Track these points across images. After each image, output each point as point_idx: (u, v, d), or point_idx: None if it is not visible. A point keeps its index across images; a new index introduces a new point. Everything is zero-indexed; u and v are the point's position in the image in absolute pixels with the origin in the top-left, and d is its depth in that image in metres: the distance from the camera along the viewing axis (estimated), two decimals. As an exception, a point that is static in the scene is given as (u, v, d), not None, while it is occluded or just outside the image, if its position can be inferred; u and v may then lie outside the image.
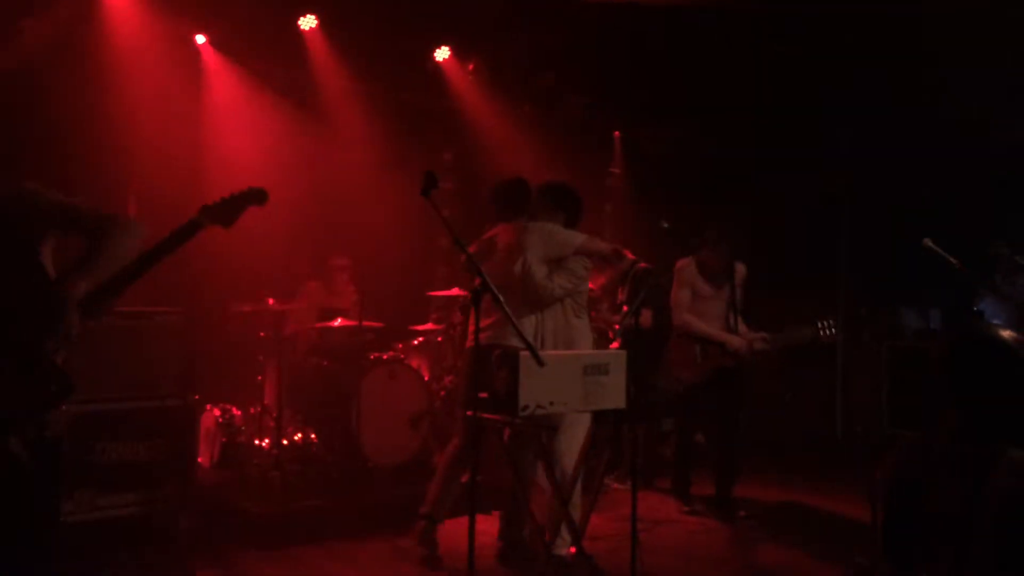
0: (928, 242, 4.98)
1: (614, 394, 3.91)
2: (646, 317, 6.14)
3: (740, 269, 5.64)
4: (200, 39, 6.69)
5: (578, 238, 4.57)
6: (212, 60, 6.83)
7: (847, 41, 6.68)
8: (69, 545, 4.42)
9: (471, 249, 4.35)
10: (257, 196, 3.00)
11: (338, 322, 6.21)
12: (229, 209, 2.96)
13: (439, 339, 6.59)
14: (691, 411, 5.77)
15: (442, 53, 7.53)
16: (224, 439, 5.94)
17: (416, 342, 6.62)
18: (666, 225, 4.52)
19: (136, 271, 2.79)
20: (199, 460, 5.33)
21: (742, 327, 5.54)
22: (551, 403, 3.72)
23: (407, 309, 7.02)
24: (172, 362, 5.03)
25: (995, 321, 7.85)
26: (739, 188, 8.25)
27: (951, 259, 4.93)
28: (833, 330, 5.33)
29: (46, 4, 5.80)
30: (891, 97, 7.20)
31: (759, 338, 5.45)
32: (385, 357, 6.15)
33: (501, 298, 3.57)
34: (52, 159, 5.63)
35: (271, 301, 5.90)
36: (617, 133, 9.03)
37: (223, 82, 6.89)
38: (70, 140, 5.78)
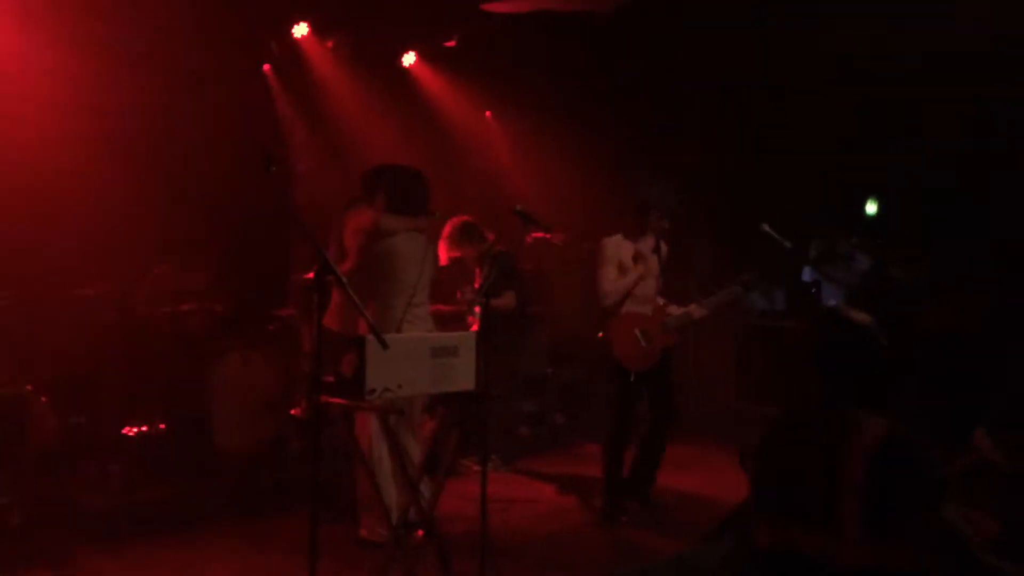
0: (765, 226, 5.21)
1: (463, 376, 3.93)
2: (508, 299, 6.19)
3: (663, 246, 5.30)
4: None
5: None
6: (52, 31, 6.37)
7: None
8: None
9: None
10: None
11: (188, 306, 5.99)
12: None
13: (295, 324, 6.44)
14: (631, 404, 5.19)
15: (300, 30, 7.35)
16: (62, 430, 5.63)
17: (272, 327, 6.45)
18: (518, 208, 4.54)
19: None
20: (32, 451, 5.03)
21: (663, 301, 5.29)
22: (399, 386, 3.70)
23: (265, 293, 6.83)
24: (2, 349, 4.76)
25: (830, 303, 8.39)
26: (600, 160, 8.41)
27: (786, 243, 5.19)
28: (754, 282, 5.23)
29: None
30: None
31: (693, 308, 5.20)
32: (237, 342, 5.97)
33: (344, 281, 3.53)
34: None
35: (114, 285, 5.61)
36: (488, 113, 9.02)
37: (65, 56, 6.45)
38: None
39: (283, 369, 6.08)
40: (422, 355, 3.80)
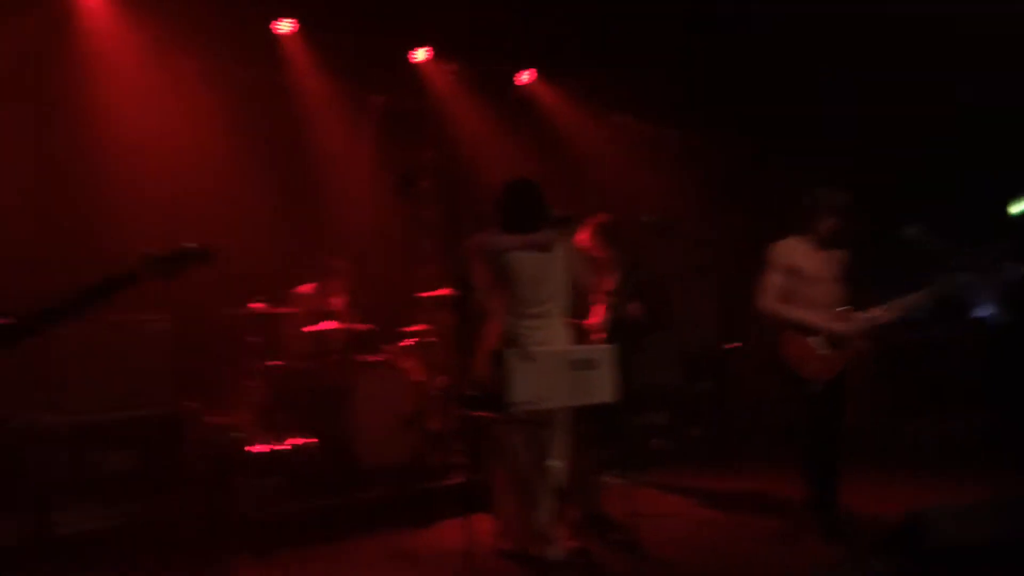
0: (913, 229, 4.99)
1: (601, 388, 3.93)
2: (636, 308, 6.12)
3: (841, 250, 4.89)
4: (175, 45, 6.66)
5: None
6: (191, 64, 6.81)
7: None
8: (63, 559, 4.44)
9: None
10: (203, 256, 2.80)
11: (329, 325, 6.22)
12: (172, 264, 2.74)
13: (429, 340, 6.59)
14: (822, 413, 4.78)
15: (421, 54, 7.56)
16: (218, 446, 5.93)
17: (406, 343, 6.62)
18: (646, 219, 4.52)
19: (58, 316, 2.61)
20: (194, 467, 5.32)
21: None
22: (540, 399, 3.74)
23: (396, 310, 7.02)
24: (162, 369, 5.06)
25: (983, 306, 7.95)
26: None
27: (936, 247, 4.93)
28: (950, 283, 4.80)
29: (27, 4, 5.80)
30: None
31: (878, 312, 4.71)
32: (377, 359, 6.15)
33: (481, 298, 3.59)
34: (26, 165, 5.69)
35: (261, 304, 5.89)
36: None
37: (205, 88, 6.88)
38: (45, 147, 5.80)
39: (419, 385, 6.22)
40: (562, 368, 3.83)
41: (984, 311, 7.94)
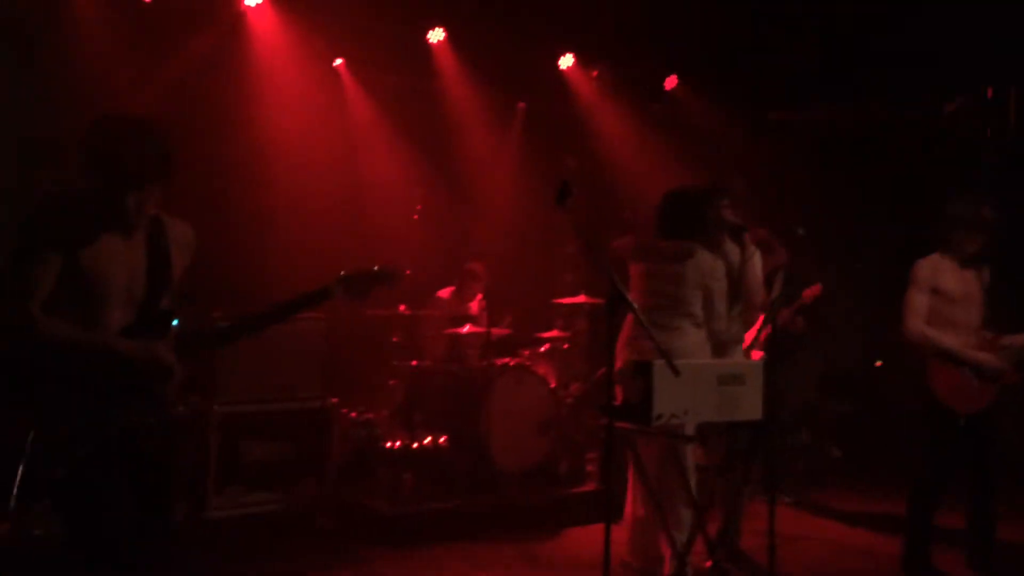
0: None
1: (750, 405, 3.83)
2: (797, 323, 5.94)
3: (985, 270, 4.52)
4: (338, 61, 6.96)
5: None
6: (348, 78, 7.11)
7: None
8: (217, 540, 4.70)
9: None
10: (391, 277, 3.02)
11: (467, 328, 6.33)
12: (364, 284, 2.97)
13: (565, 346, 6.60)
14: (954, 451, 4.44)
15: (566, 61, 7.59)
16: (358, 440, 6.12)
17: (542, 349, 6.66)
18: (802, 232, 4.36)
19: (256, 325, 2.87)
20: (336, 460, 5.53)
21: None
22: (685, 412, 3.67)
23: (533, 316, 7.07)
24: (313, 365, 5.26)
25: None
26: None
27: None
28: None
29: (203, 23, 6.17)
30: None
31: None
32: (513, 364, 6.21)
33: (635, 306, 3.55)
34: (200, 170, 6.02)
35: (403, 307, 6.05)
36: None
37: (360, 99, 7.16)
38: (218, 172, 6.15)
39: (553, 391, 6.24)
40: (708, 382, 3.75)
41: None
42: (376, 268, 2.99)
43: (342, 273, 2.94)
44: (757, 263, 4.50)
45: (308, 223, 6.48)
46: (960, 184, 6.70)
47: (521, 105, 7.71)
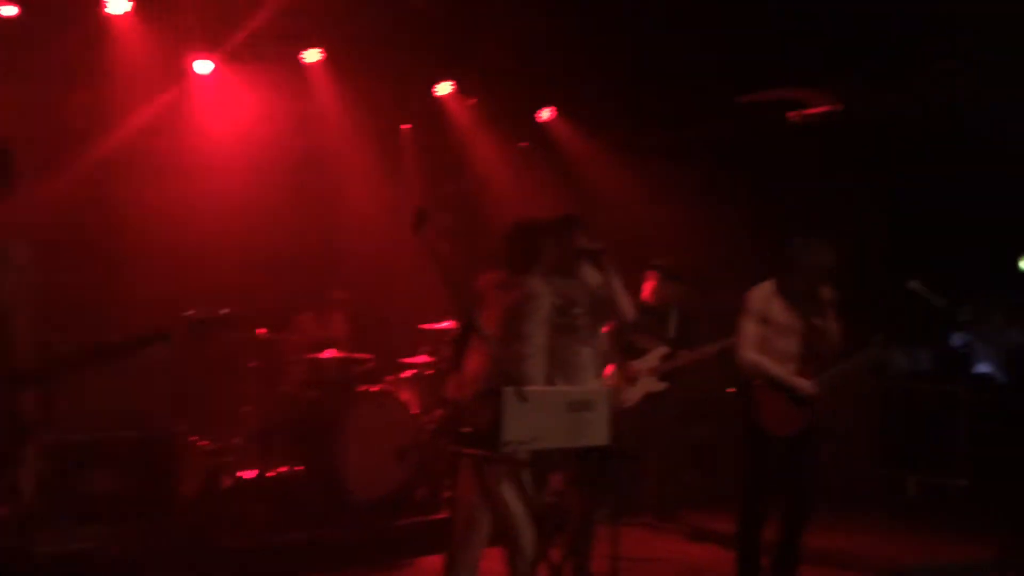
0: (915, 283, 4.96)
1: (597, 431, 3.89)
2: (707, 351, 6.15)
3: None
4: (203, 65, 6.73)
5: None
6: (213, 87, 6.87)
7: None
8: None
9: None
10: (235, 323, 2.92)
11: (327, 354, 6.21)
12: (209, 327, 2.87)
13: (429, 372, 6.57)
14: (772, 471, 4.66)
15: (444, 88, 7.62)
16: (208, 470, 5.89)
17: (406, 375, 6.61)
18: (659, 263, 4.49)
19: (84, 362, 2.76)
20: (182, 491, 5.29)
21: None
22: (534, 439, 3.70)
23: (398, 342, 7.02)
24: (157, 391, 5.05)
25: (984, 363, 7.94)
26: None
27: (938, 301, 4.91)
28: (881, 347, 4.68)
29: (59, 29, 5.88)
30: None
31: (807, 384, 4.58)
32: (374, 389, 6.14)
33: (486, 334, 3.57)
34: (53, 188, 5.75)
35: (261, 331, 5.89)
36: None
37: (225, 112, 6.94)
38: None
39: (415, 418, 6.19)
40: (558, 409, 3.80)
41: (985, 368, 7.92)
42: (224, 312, 2.87)
43: (189, 314, 2.81)
44: (618, 284, 4.56)
45: (165, 245, 6.24)
46: (807, 221, 7.15)
47: (401, 130, 7.68)
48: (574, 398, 3.86)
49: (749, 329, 4.60)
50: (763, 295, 4.64)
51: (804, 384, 4.54)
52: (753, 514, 4.67)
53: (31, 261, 2.69)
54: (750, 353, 4.58)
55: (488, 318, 4.25)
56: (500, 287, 4.29)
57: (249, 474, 5.89)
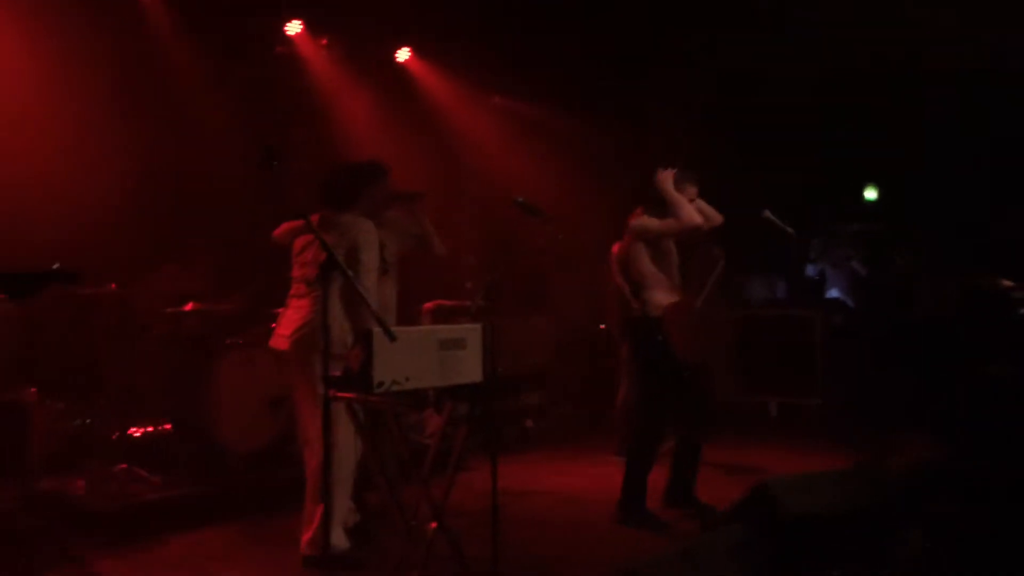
0: (767, 213, 5.19)
1: (471, 368, 3.92)
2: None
3: None
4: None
5: None
6: (29, 23, 6.34)
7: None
8: None
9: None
10: (66, 277, 2.64)
11: (190, 306, 5.97)
12: (29, 283, 2.59)
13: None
14: (674, 398, 4.94)
15: (294, 27, 7.33)
16: (67, 433, 5.61)
17: (274, 325, 6.42)
18: (520, 200, 4.52)
19: None
20: (38, 454, 5.01)
21: None
22: (407, 379, 3.69)
23: (266, 290, 6.81)
24: (4, 353, 4.73)
25: (834, 289, 8.45)
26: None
27: (788, 229, 5.16)
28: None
29: None
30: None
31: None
32: (242, 341, 5.96)
33: (350, 273, 3.52)
34: None
35: (113, 285, 5.59)
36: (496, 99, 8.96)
37: (56, 53, 6.44)
38: None
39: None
40: (429, 347, 3.79)
41: (835, 295, 8.43)
42: (53, 267, 2.62)
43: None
44: (429, 226, 4.93)
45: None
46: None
47: (247, 72, 7.34)
48: (445, 336, 3.86)
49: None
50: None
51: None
52: (655, 439, 4.90)
53: None
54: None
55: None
56: (321, 225, 4.23)
57: (113, 435, 5.64)
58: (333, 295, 4.14)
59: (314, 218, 4.21)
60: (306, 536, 4.25)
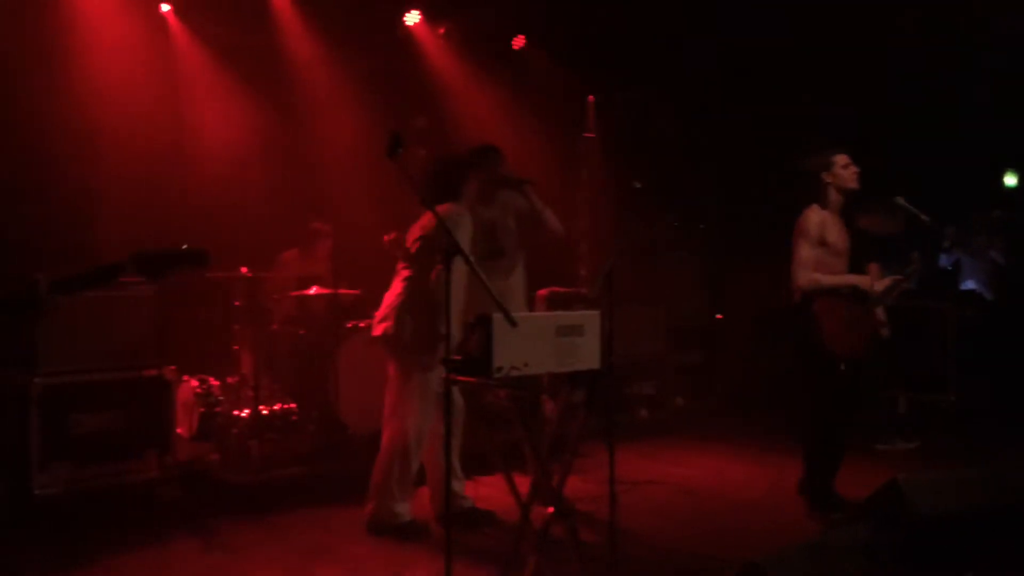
0: (900, 199, 4.93)
1: (588, 355, 3.91)
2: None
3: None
4: (165, 7, 6.56)
5: None
6: (178, 30, 6.73)
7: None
8: (47, 518, 4.43)
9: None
10: (196, 258, 2.74)
11: (314, 290, 6.18)
12: (161, 263, 2.70)
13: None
14: (844, 395, 4.68)
15: (412, 17, 7.45)
16: (202, 409, 5.91)
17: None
18: (639, 185, 4.48)
19: (56, 291, 2.60)
20: (178, 431, 5.30)
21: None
22: (525, 364, 3.70)
23: (384, 276, 6.98)
24: (146, 332, 5.00)
25: (970, 280, 8.00)
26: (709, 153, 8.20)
27: (924, 217, 4.88)
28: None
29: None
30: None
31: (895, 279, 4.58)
32: (362, 325, 6.13)
33: (471, 259, 3.55)
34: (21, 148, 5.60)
35: (244, 269, 5.85)
36: (591, 98, 8.94)
37: (191, 52, 6.80)
38: (37, 126, 5.73)
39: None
40: (547, 333, 3.80)
41: (971, 285, 7.99)
42: (183, 248, 2.72)
43: (137, 250, 2.68)
44: (542, 205, 4.85)
45: (137, 183, 6.14)
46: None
47: (369, 62, 7.53)
48: (563, 322, 3.86)
49: (805, 252, 4.58)
50: (818, 219, 4.62)
51: (864, 279, 4.57)
52: (827, 442, 4.66)
53: None
54: (808, 273, 4.56)
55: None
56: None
57: (243, 412, 5.90)
58: (425, 281, 4.25)
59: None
60: (368, 508, 4.43)
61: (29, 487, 4.49)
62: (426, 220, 4.48)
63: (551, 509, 3.98)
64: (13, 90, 5.70)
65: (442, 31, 7.69)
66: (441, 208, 4.47)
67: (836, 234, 4.63)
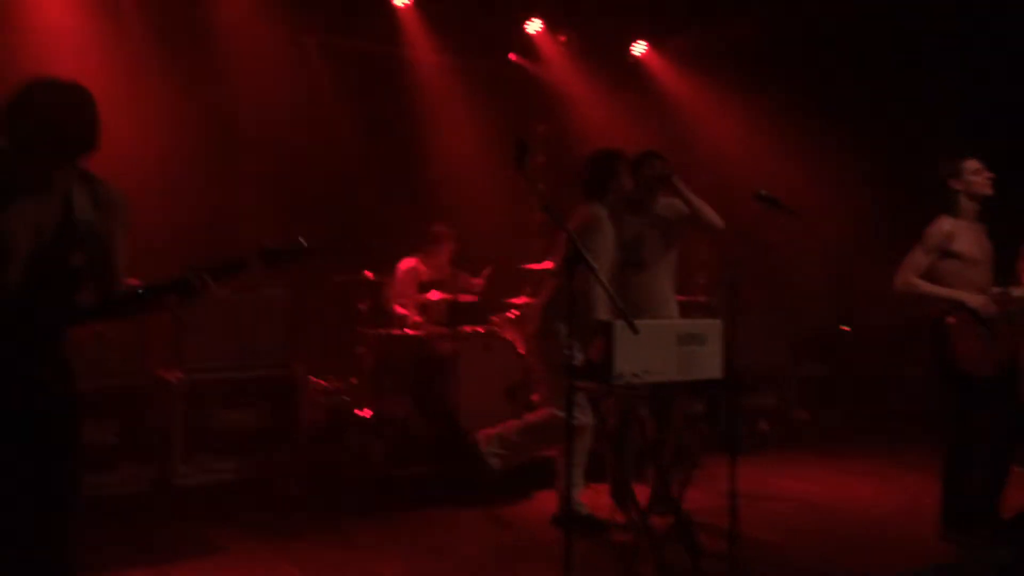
0: None
1: (710, 364, 3.85)
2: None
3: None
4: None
5: None
6: (310, 40, 7.01)
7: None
8: (182, 508, 4.70)
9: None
10: (305, 256, 2.82)
11: (434, 295, 6.32)
12: (282, 259, 2.79)
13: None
14: (977, 415, 4.39)
15: (534, 26, 7.53)
16: (327, 408, 6.13)
17: (511, 315, 6.66)
18: (762, 193, 4.37)
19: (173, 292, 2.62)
20: (305, 427, 5.52)
21: None
22: (646, 371, 3.69)
23: (502, 282, 7.07)
24: (277, 332, 5.24)
25: None
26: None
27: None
28: None
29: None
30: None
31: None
32: (481, 330, 6.22)
33: (595, 267, 3.56)
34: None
35: (368, 273, 6.04)
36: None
37: (322, 63, 7.08)
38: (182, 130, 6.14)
39: (522, 356, 6.25)
40: (669, 341, 3.77)
41: None
42: (303, 244, 2.80)
43: (265, 246, 2.78)
44: (695, 199, 4.74)
45: (275, 187, 6.45)
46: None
47: (488, 66, 7.67)
48: (685, 331, 3.83)
49: (916, 257, 4.39)
50: (946, 228, 4.38)
51: (975, 299, 4.26)
52: (963, 460, 4.41)
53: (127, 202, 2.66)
54: (905, 275, 4.38)
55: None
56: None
57: (365, 412, 6.09)
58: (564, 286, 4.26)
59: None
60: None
61: (171, 477, 4.77)
62: (575, 220, 4.49)
63: (671, 518, 3.96)
64: (156, 95, 6.09)
65: (563, 39, 7.74)
66: (581, 210, 4.50)
67: (969, 243, 4.36)
